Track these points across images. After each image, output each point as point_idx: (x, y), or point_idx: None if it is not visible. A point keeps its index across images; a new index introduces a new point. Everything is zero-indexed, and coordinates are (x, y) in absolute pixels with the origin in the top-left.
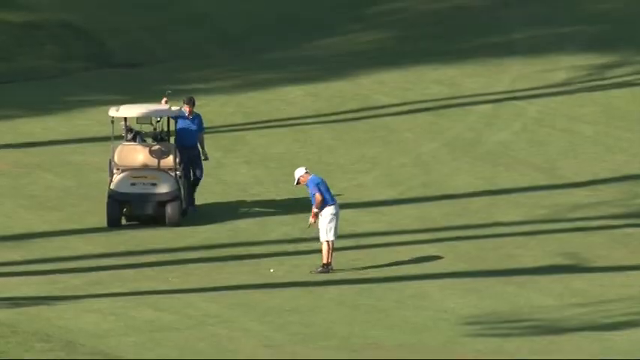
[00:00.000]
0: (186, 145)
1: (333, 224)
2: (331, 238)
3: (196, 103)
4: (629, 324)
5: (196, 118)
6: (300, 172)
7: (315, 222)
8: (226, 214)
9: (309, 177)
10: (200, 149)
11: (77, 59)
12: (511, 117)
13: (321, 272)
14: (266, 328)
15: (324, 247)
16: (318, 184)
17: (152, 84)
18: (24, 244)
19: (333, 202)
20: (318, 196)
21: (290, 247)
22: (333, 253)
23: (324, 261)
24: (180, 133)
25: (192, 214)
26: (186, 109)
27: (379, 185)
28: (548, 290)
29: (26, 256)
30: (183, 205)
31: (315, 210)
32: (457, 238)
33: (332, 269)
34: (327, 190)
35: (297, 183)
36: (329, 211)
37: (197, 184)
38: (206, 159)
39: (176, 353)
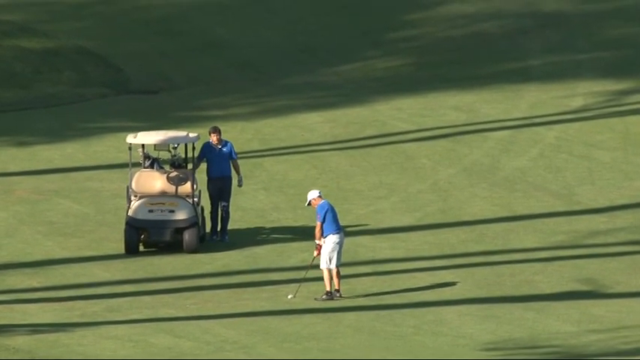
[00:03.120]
0: (213, 176)
1: (334, 253)
2: (332, 266)
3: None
4: None
5: (224, 146)
6: (313, 194)
7: (319, 255)
8: (244, 240)
9: (320, 202)
10: (237, 177)
11: (95, 86)
12: (528, 143)
13: (325, 300)
14: (284, 354)
15: (325, 275)
16: (325, 212)
17: (170, 110)
18: (42, 270)
19: (337, 230)
20: (318, 225)
21: (308, 274)
22: (343, 280)
23: (327, 288)
24: (207, 164)
25: (211, 242)
26: (212, 138)
27: (397, 211)
28: (566, 316)
29: (44, 282)
30: (201, 232)
31: (317, 243)
32: (475, 265)
33: (340, 296)
34: (335, 218)
35: (309, 204)
36: (332, 239)
37: (224, 216)
38: (239, 185)
39: None
